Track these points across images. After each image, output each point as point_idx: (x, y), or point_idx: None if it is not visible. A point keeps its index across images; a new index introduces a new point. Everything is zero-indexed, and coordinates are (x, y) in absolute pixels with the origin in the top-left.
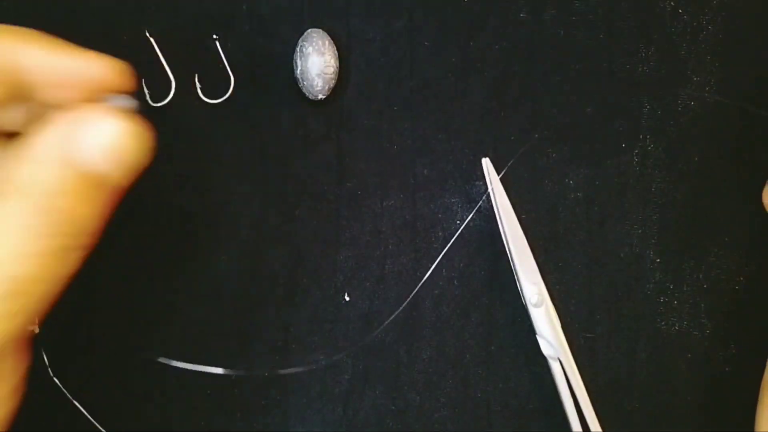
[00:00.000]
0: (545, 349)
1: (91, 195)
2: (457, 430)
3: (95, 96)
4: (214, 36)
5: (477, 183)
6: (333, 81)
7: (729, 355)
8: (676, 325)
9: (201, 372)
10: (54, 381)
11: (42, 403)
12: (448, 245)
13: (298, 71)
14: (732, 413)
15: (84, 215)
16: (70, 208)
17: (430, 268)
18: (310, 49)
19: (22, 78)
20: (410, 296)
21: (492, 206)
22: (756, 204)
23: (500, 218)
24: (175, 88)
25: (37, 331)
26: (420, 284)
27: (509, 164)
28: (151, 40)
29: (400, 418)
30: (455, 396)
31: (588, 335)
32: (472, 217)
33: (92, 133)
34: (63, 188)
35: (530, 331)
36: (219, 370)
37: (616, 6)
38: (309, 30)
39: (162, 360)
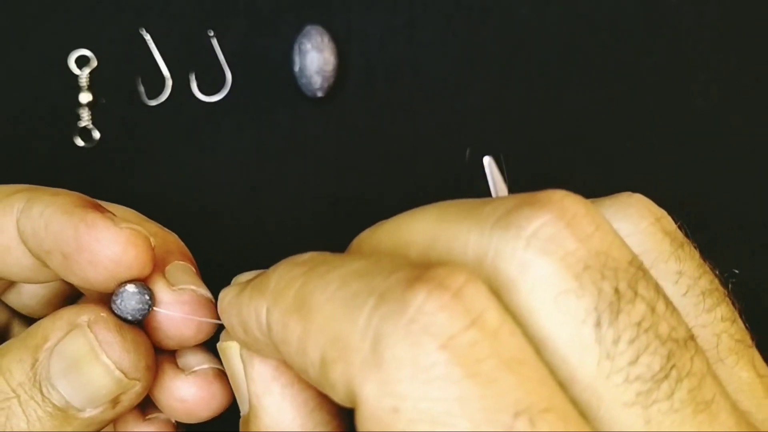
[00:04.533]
0: None
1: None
2: None
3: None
4: (210, 33)
5: (479, 182)
6: (332, 78)
7: None
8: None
9: None
10: None
11: None
12: None
13: (297, 68)
14: None
15: None
16: None
17: None
18: (309, 45)
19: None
20: None
21: None
22: (763, 204)
23: None
24: (171, 86)
25: None
26: None
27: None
28: (146, 36)
29: None
30: None
31: None
32: None
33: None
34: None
35: None
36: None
37: (621, 2)
38: (308, 27)
39: None
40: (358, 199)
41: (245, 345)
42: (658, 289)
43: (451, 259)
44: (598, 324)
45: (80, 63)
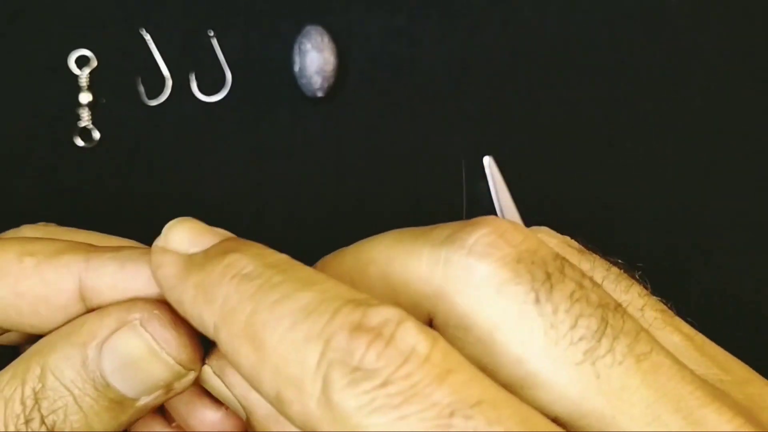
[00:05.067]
0: None
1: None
2: None
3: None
4: (210, 33)
5: (479, 181)
6: (332, 78)
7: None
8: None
9: None
10: None
11: None
12: None
13: (297, 68)
14: None
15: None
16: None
17: None
18: (309, 45)
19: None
20: None
21: (494, 205)
22: (764, 203)
23: (503, 217)
24: (171, 86)
25: None
26: None
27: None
28: (146, 36)
29: None
30: None
31: None
32: (473, 217)
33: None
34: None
35: None
36: None
37: (621, 2)
38: (308, 27)
39: None
40: (357, 198)
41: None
42: (582, 272)
43: (407, 272)
44: (537, 300)
45: (80, 63)
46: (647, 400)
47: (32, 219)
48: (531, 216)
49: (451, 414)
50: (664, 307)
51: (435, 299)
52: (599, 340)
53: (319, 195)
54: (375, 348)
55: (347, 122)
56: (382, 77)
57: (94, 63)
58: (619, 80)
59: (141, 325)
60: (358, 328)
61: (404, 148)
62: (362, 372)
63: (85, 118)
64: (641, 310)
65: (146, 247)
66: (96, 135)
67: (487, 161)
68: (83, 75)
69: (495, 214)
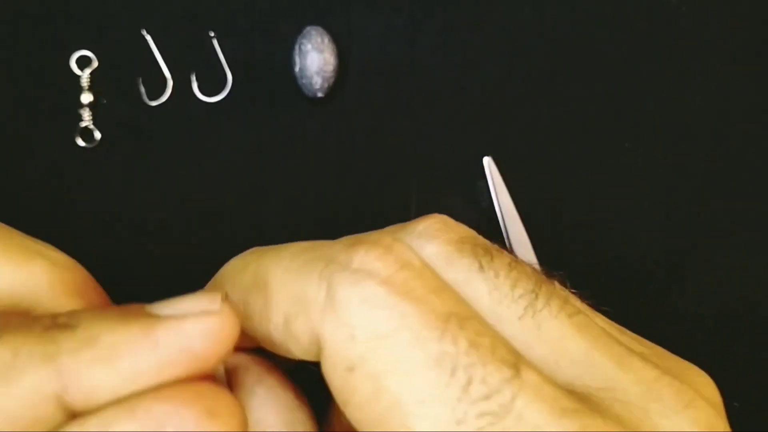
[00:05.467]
0: None
1: None
2: None
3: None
4: (211, 33)
5: (479, 182)
6: (332, 79)
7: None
8: (680, 327)
9: None
10: None
11: None
12: None
13: (297, 69)
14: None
15: None
16: None
17: None
18: (309, 46)
19: None
20: None
21: (494, 206)
22: (764, 203)
23: (502, 217)
24: (172, 87)
25: None
26: None
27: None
28: (147, 37)
29: None
30: None
31: None
32: (474, 217)
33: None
34: None
35: None
36: None
37: (621, 2)
38: (308, 27)
39: None
40: (358, 198)
41: None
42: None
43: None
44: (481, 268)
45: (81, 63)
46: (583, 347)
47: (33, 220)
48: (531, 216)
49: (447, 319)
50: (584, 302)
51: None
52: (536, 298)
53: (319, 195)
54: (374, 253)
55: (347, 122)
56: (382, 77)
57: (96, 63)
58: (620, 80)
59: None
60: (356, 243)
61: (404, 149)
62: (364, 272)
63: (87, 119)
64: (566, 297)
65: (113, 305)
66: (97, 135)
67: (487, 161)
68: (84, 75)
69: (495, 214)
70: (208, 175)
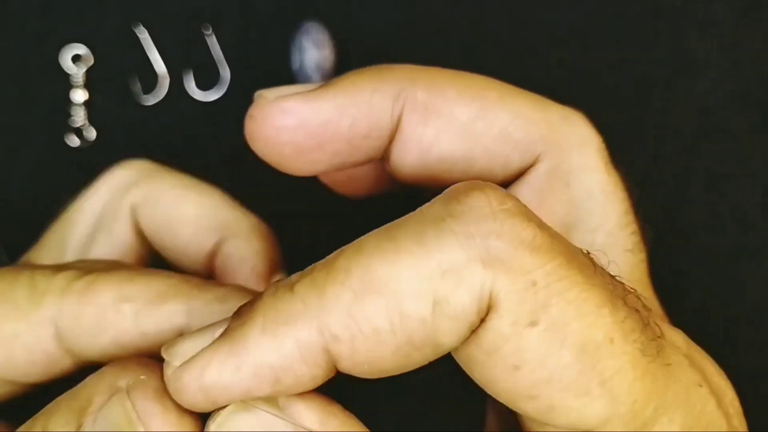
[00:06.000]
0: None
1: None
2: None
3: None
4: (208, 30)
5: None
6: (331, 75)
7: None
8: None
9: None
10: None
11: None
12: None
13: (295, 65)
14: None
15: None
16: None
17: None
18: (308, 42)
19: None
20: None
21: None
22: (764, 203)
23: None
24: (168, 84)
25: None
26: None
27: None
28: (142, 34)
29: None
30: (458, 399)
31: None
32: None
33: None
34: None
35: None
36: None
37: (622, 2)
38: (306, 23)
39: None
40: (358, 198)
41: None
42: None
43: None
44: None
45: (76, 61)
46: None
47: (28, 220)
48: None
49: (593, 260)
50: None
51: (545, 145)
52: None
53: (319, 194)
54: (488, 193)
55: None
56: None
57: (90, 61)
58: (621, 80)
59: (127, 392)
60: (459, 193)
61: None
62: (503, 211)
63: (81, 117)
64: None
65: (245, 288)
66: (92, 134)
67: None
68: (79, 73)
69: None
70: (205, 173)
